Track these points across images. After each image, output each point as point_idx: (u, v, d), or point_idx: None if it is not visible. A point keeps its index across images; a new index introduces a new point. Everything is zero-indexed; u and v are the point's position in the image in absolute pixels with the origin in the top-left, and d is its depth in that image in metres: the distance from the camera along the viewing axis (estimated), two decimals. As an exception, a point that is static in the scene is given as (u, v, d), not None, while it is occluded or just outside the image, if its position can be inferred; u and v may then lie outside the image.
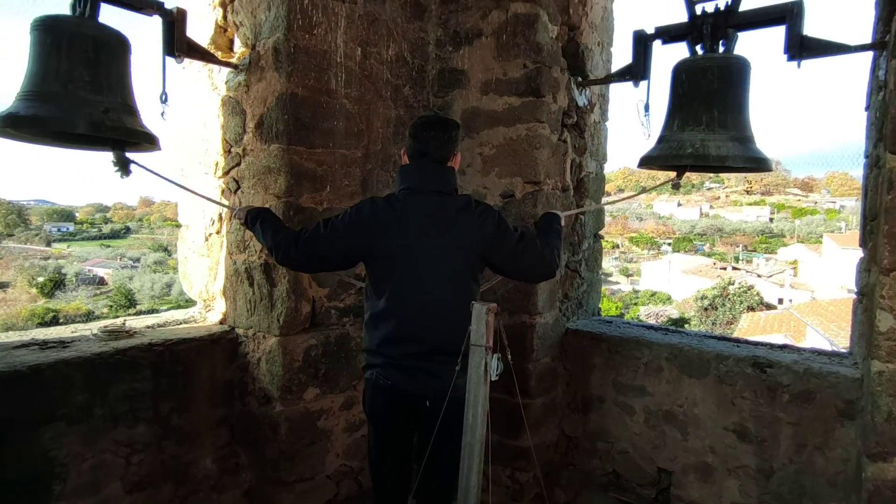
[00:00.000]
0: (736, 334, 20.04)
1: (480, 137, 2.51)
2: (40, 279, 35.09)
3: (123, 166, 1.83)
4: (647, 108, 2.34)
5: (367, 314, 1.71)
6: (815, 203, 65.86)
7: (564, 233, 2.56)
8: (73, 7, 1.80)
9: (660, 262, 38.98)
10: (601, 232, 2.98)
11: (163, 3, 2.01)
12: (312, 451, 2.34)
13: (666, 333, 2.52)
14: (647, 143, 2.24)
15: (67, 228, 61.04)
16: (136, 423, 2.07)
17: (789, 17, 2.02)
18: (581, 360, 2.56)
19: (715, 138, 2.01)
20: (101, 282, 36.95)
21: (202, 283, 2.55)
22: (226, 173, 2.35)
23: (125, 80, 1.84)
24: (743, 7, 2.09)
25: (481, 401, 1.29)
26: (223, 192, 2.37)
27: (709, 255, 42.83)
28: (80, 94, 1.70)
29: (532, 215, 2.35)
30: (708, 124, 2.04)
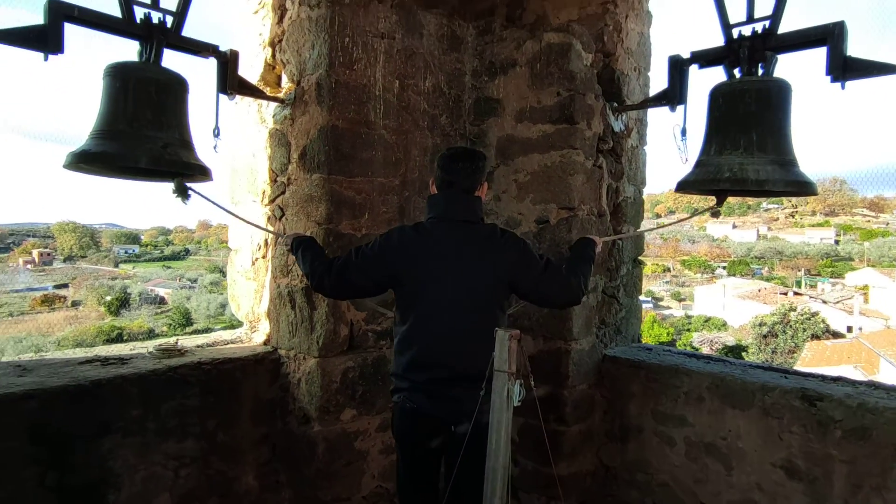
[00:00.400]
0: (798, 364, 18.94)
1: (515, 164, 2.56)
2: (108, 298, 37.43)
3: (183, 193, 1.99)
4: (683, 132, 2.32)
5: (396, 339, 1.76)
6: (887, 224, 61.60)
7: (601, 258, 2.56)
8: (140, 53, 1.99)
9: (714, 286, 37.36)
10: (641, 256, 2.94)
11: (218, 47, 2.18)
12: (349, 472, 2.39)
13: (708, 362, 2.44)
14: (686, 168, 2.23)
15: (133, 250, 64.98)
16: (185, 437, 2.19)
17: (830, 38, 1.97)
18: (619, 388, 2.51)
19: (753, 162, 1.97)
20: (162, 301, 39.00)
21: (249, 304, 2.68)
22: (272, 201, 2.49)
23: (183, 118, 2.01)
24: (782, 28, 2.06)
25: (504, 426, 1.31)
26: (269, 218, 2.50)
27: (767, 280, 40.71)
28: (143, 132, 1.88)
29: (567, 241, 2.36)
30: (746, 148, 2.00)
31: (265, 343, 2.54)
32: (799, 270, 45.13)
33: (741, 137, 2.01)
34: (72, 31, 1.90)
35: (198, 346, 2.45)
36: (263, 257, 2.59)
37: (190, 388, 2.20)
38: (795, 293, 33.90)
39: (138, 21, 1.94)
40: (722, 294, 33.38)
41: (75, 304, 39.80)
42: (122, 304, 36.97)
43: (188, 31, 2.10)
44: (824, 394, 1.99)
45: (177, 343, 2.40)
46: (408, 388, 1.69)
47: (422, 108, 2.54)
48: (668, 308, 37.20)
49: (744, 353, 23.29)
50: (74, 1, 1.84)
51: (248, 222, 2.31)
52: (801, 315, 23.43)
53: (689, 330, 27.45)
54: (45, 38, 1.79)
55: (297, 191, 2.35)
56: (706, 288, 37.93)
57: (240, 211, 2.70)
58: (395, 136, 2.44)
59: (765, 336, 22.87)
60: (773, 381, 2.14)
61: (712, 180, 2.02)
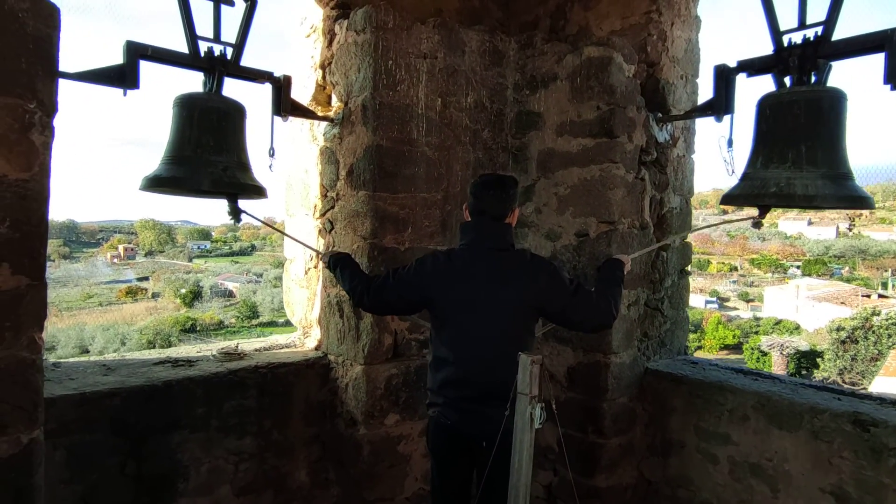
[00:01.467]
0: (881, 373, 17.46)
1: (556, 178, 2.58)
2: (183, 291, 40.11)
3: (236, 214, 2.18)
4: (730, 143, 2.27)
5: (431, 357, 1.86)
6: None
7: (643, 271, 2.54)
8: (204, 83, 2.18)
9: (786, 286, 35.09)
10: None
11: (272, 73, 2.35)
12: (392, 474, 2.51)
13: (755, 379, 2.37)
14: (733, 180, 2.18)
15: (205, 246, 69.07)
16: (244, 435, 2.38)
17: (888, 44, 1.88)
18: (661, 402, 2.48)
19: (802, 176, 1.91)
20: (231, 294, 41.33)
21: (302, 311, 2.86)
22: (322, 215, 2.64)
23: (241, 142, 2.19)
24: (839, 33, 1.97)
25: (526, 446, 1.37)
26: (320, 231, 2.66)
27: (848, 281, 37.74)
28: (206, 157, 2.07)
29: (606, 254, 2.36)
30: (794, 162, 1.94)
31: (316, 348, 2.70)
32: (885, 271, 41.52)
33: (789, 151, 1.95)
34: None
35: (255, 350, 2.65)
36: (315, 267, 2.75)
37: (248, 390, 2.39)
38: (881, 296, 31.28)
39: (202, 55, 2.13)
40: (795, 295, 31.32)
41: (155, 295, 42.94)
42: (195, 296, 39.54)
43: (246, 57, 2.27)
44: (878, 419, 1.91)
45: (237, 347, 2.61)
46: (442, 403, 1.79)
47: (464, 124, 2.61)
48: (735, 309, 35.30)
49: (819, 360, 21.77)
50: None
51: (293, 238, 2.49)
52: (887, 320, 21.55)
53: (756, 333, 25.99)
54: (123, 76, 2.00)
55: (344, 206, 2.49)
56: (777, 289, 35.68)
57: (293, 223, 2.88)
58: (438, 153, 2.53)
59: (843, 342, 21.22)
60: (824, 403, 2.07)
61: (757, 195, 1.98)
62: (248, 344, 2.77)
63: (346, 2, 2.52)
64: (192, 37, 2.12)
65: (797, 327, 26.73)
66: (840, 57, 1.99)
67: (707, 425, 2.33)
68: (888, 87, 1.92)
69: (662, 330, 2.69)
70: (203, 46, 2.15)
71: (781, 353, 22.15)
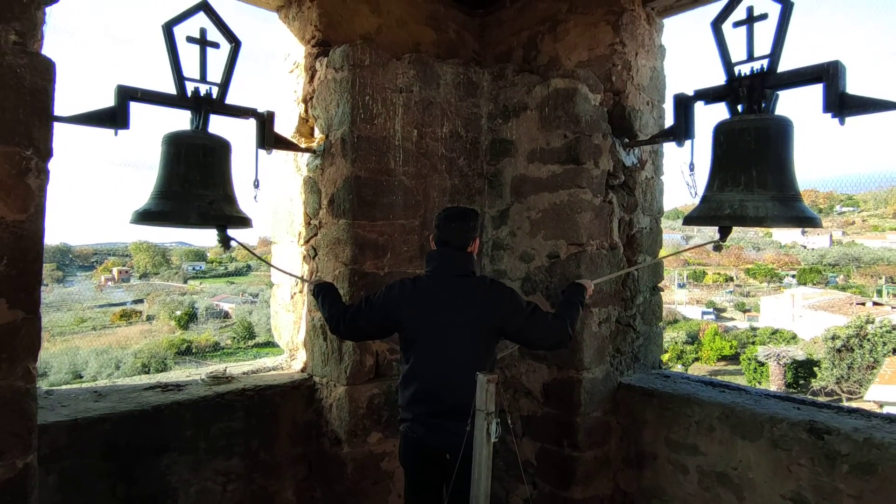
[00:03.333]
0: (877, 381, 17.51)
1: (528, 202, 2.71)
2: (178, 313, 39.96)
3: (225, 243, 2.29)
4: (691, 167, 2.40)
5: (400, 376, 1.98)
6: (983, 225, 55.99)
7: (613, 289, 2.66)
8: (191, 121, 2.31)
9: (782, 296, 35.27)
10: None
11: (256, 109, 2.48)
12: (376, 490, 2.59)
13: (722, 391, 2.47)
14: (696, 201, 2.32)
15: (200, 267, 68.91)
16: (231, 456, 2.47)
17: (826, 76, 2.03)
18: (633, 415, 2.58)
19: (753, 199, 2.04)
20: (226, 315, 41.18)
21: (288, 334, 2.96)
22: (306, 242, 2.76)
23: (226, 175, 2.31)
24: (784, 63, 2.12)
25: (484, 458, 1.47)
26: (304, 257, 2.78)
27: (843, 289, 37.96)
28: (193, 191, 2.18)
29: (576, 275, 2.48)
30: (746, 185, 2.08)
31: (302, 370, 2.79)
32: (879, 278, 41.79)
33: (741, 175, 2.09)
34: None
35: (243, 373, 2.74)
36: (301, 292, 2.86)
37: (235, 412, 2.48)
38: (875, 303, 31.45)
39: (189, 95, 2.26)
40: (791, 305, 31.47)
41: (150, 318, 42.75)
42: (190, 318, 39.38)
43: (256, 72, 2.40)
44: (832, 427, 2.01)
45: (225, 370, 2.70)
46: (410, 419, 1.90)
47: (440, 153, 2.75)
48: (732, 319, 35.42)
49: (816, 369, 21.84)
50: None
51: (279, 269, 2.62)
52: (881, 327, 21.68)
53: (753, 343, 26.05)
54: (114, 118, 2.13)
55: (326, 234, 2.61)
56: (773, 298, 35.87)
57: (279, 249, 3.00)
58: (415, 181, 2.66)
59: (839, 350, 21.33)
60: (783, 412, 2.17)
61: (714, 217, 2.11)
62: (237, 367, 2.86)
63: (325, 40, 2.67)
64: (179, 78, 2.25)
65: (794, 336, 26.82)
66: (784, 87, 2.14)
67: (677, 437, 2.42)
68: (830, 115, 2.08)
69: (635, 345, 2.80)
70: (190, 87, 2.28)
71: (778, 363, 22.21)
